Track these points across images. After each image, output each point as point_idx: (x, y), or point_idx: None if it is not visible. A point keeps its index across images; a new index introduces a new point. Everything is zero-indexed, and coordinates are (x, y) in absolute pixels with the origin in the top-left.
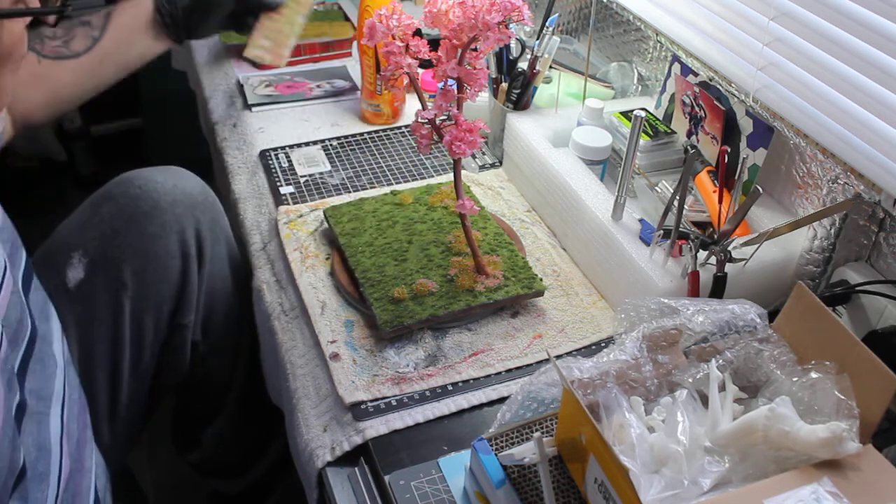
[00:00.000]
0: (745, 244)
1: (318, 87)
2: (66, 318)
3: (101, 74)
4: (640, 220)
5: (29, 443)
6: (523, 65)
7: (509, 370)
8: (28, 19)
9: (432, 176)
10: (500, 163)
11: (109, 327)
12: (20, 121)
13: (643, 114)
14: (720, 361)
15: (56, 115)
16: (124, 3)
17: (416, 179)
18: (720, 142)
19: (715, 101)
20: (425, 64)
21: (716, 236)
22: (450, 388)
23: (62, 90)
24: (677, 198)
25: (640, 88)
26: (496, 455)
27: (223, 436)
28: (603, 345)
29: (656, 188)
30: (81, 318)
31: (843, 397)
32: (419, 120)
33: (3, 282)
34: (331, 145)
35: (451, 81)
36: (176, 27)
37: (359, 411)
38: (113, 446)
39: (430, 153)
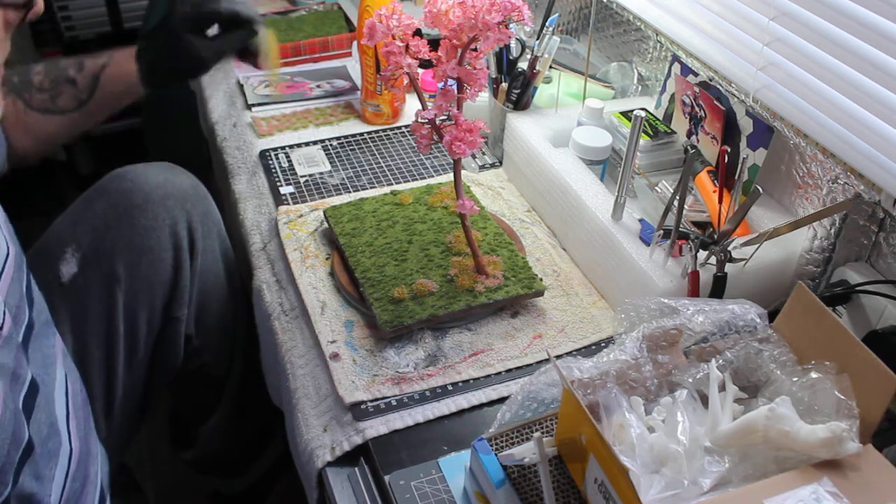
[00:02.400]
0: (745, 244)
1: (318, 87)
2: (60, 313)
3: (89, 124)
4: (640, 220)
5: (41, 419)
6: (523, 65)
7: (509, 370)
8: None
9: (432, 176)
10: (500, 163)
11: (103, 321)
12: (15, 155)
13: (643, 114)
14: (720, 361)
15: (48, 154)
16: (111, 70)
17: (416, 179)
18: (720, 142)
19: (715, 101)
20: (425, 64)
21: (716, 236)
22: (450, 388)
23: (50, 137)
24: (677, 198)
25: (640, 88)
26: (496, 455)
27: (219, 433)
28: (603, 345)
29: (656, 188)
30: (75, 312)
31: (843, 397)
32: (419, 120)
33: (4, 267)
34: (331, 145)
35: (451, 81)
36: (162, 84)
37: (359, 411)
38: (110, 442)
39: (430, 153)
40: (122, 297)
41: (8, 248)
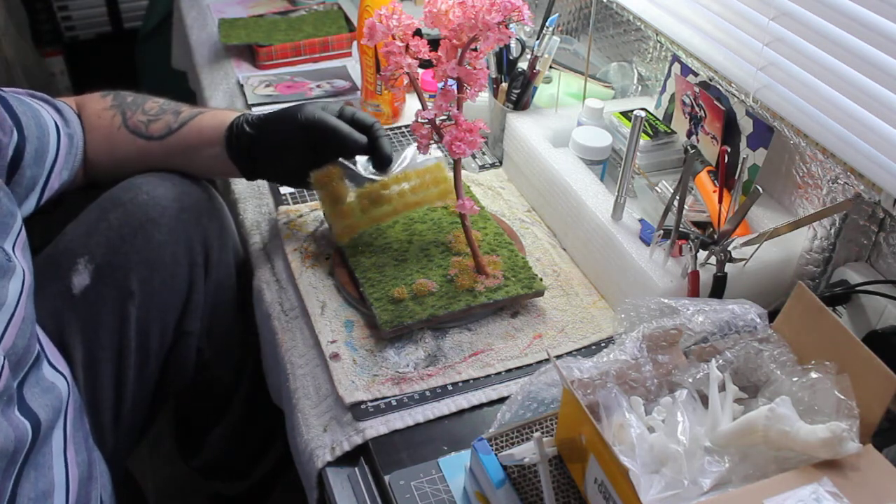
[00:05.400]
0: (745, 244)
1: (318, 87)
2: (71, 324)
3: (159, 167)
4: (640, 220)
5: (31, 476)
6: (523, 65)
7: (509, 370)
8: None
9: None
10: (500, 163)
11: (115, 334)
12: (89, 172)
13: (643, 114)
14: (720, 361)
15: (113, 181)
16: (205, 115)
17: None
18: (720, 142)
19: (715, 101)
20: (425, 64)
21: (716, 236)
22: (450, 388)
23: (123, 161)
24: (677, 198)
25: (640, 88)
26: (496, 455)
27: (227, 439)
28: (603, 345)
29: (656, 188)
30: (86, 324)
31: (843, 397)
32: (419, 120)
33: (19, 300)
34: None
35: (451, 81)
36: (240, 152)
37: (359, 411)
38: (116, 452)
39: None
40: (134, 311)
41: (24, 280)
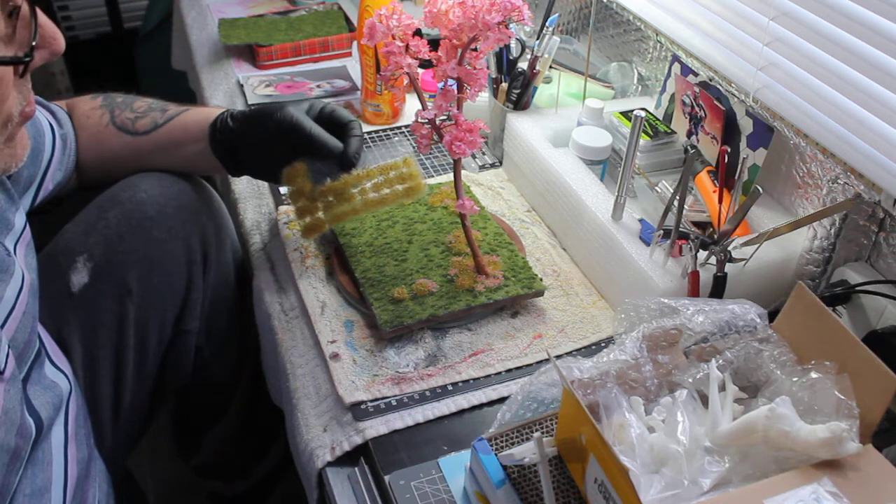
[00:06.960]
0: (745, 244)
1: (318, 87)
2: (70, 323)
3: (146, 164)
4: (640, 220)
5: (29, 473)
6: (523, 65)
7: (509, 370)
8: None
9: (432, 176)
10: (500, 163)
11: (113, 332)
12: (80, 172)
13: (643, 114)
14: (720, 361)
15: (102, 182)
16: (191, 112)
17: None
18: (720, 142)
19: (715, 101)
20: (425, 64)
21: (716, 236)
22: (450, 388)
23: (111, 159)
24: (677, 198)
25: (640, 88)
26: (496, 455)
27: (225, 439)
28: (603, 345)
29: (656, 188)
30: (85, 323)
31: (843, 397)
32: (419, 120)
33: (17, 301)
34: None
35: (451, 81)
36: (224, 148)
37: (359, 411)
38: (115, 451)
39: (430, 153)
40: (133, 309)
41: (23, 278)
